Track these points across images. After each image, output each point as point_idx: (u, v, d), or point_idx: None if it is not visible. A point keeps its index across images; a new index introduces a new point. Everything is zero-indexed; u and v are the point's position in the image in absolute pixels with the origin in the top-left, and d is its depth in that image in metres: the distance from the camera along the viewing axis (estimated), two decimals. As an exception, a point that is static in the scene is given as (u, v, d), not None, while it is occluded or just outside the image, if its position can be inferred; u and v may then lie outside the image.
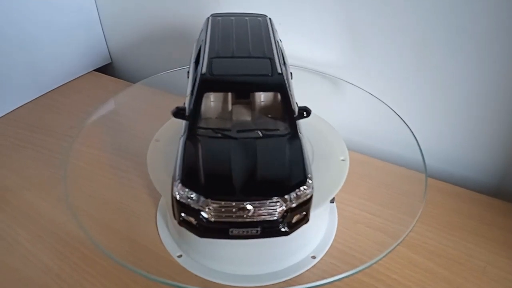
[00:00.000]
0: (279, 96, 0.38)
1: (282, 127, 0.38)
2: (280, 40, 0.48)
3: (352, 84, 0.61)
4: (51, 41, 0.75)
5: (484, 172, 0.58)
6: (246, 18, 0.47)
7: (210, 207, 0.32)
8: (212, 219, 0.33)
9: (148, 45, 0.82)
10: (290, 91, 0.39)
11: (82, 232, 0.42)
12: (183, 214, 0.34)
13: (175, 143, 0.38)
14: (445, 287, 0.43)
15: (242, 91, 0.39)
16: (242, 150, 0.35)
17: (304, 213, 0.34)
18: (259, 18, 0.47)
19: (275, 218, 0.33)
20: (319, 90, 0.64)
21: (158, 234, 0.47)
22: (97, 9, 0.83)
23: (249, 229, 0.33)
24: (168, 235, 0.47)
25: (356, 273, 0.38)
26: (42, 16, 0.73)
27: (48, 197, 0.54)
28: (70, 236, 0.48)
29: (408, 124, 0.51)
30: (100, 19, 0.84)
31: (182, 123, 0.39)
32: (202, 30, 0.46)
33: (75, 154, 0.56)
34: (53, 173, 0.58)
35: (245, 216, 0.32)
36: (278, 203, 0.33)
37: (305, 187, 0.33)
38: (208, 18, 0.47)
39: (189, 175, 0.34)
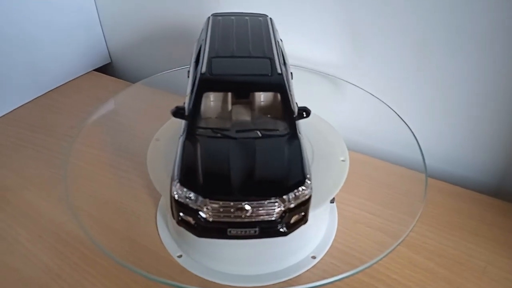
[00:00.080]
0: (278, 96, 0.38)
1: (281, 127, 0.38)
2: (281, 40, 0.47)
3: (352, 84, 0.61)
4: (51, 41, 0.75)
5: (484, 172, 0.58)
6: (247, 18, 0.47)
7: (208, 207, 0.32)
8: (210, 219, 0.33)
9: (147, 45, 0.82)
10: (290, 91, 0.39)
11: (83, 232, 0.42)
12: (181, 214, 0.34)
13: (175, 143, 0.38)
14: (446, 287, 0.43)
15: (242, 91, 0.39)
16: (241, 150, 0.35)
17: (303, 213, 0.34)
18: (260, 18, 0.47)
19: (273, 218, 0.33)
20: (319, 90, 0.64)
21: (158, 234, 0.47)
22: (97, 9, 0.83)
23: (247, 229, 0.33)
24: (168, 235, 0.47)
25: (356, 273, 0.38)
26: (42, 16, 0.73)
27: (49, 197, 0.54)
28: (71, 236, 0.48)
29: (408, 124, 0.51)
30: (99, 19, 0.84)
31: (182, 123, 0.39)
32: (202, 30, 0.46)
33: (75, 154, 0.56)
34: (53, 173, 0.58)
35: (243, 216, 0.32)
36: (276, 204, 0.33)
37: (303, 187, 0.33)
38: (209, 17, 0.47)
39: (187, 175, 0.34)
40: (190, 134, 0.37)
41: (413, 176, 0.52)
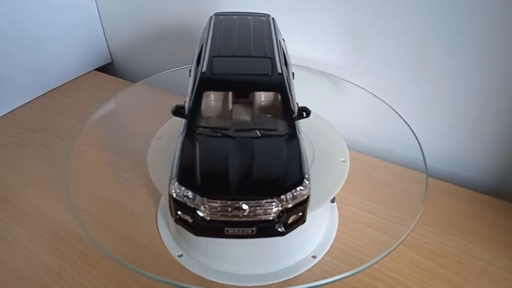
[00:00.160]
0: (279, 96, 0.38)
1: (281, 127, 0.38)
2: (283, 40, 0.47)
3: (353, 83, 0.61)
4: (52, 41, 0.75)
5: (484, 172, 0.58)
6: (249, 17, 0.47)
7: (206, 206, 0.33)
8: (208, 218, 0.33)
9: (148, 45, 0.82)
10: (291, 91, 0.38)
11: (83, 232, 0.42)
12: (179, 212, 0.34)
13: (176, 142, 0.38)
14: (446, 287, 0.43)
15: (242, 90, 0.39)
16: (239, 150, 0.35)
17: (301, 213, 0.34)
18: (262, 18, 0.47)
19: (270, 218, 0.33)
20: (320, 89, 0.64)
21: (159, 234, 0.47)
22: (98, 8, 0.83)
23: (245, 229, 0.33)
24: (169, 235, 0.47)
25: (356, 273, 0.38)
26: (42, 16, 0.73)
27: (49, 197, 0.54)
28: (71, 235, 0.48)
29: (408, 124, 0.51)
30: (100, 18, 0.84)
31: (182, 122, 0.39)
32: (204, 29, 0.46)
33: (76, 154, 0.56)
34: (54, 172, 0.58)
35: (240, 215, 0.32)
36: (274, 203, 0.33)
37: (301, 187, 0.33)
38: (211, 17, 0.47)
39: (185, 174, 0.34)
40: (190, 133, 0.37)
41: (414, 176, 0.52)
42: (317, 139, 0.48)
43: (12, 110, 0.71)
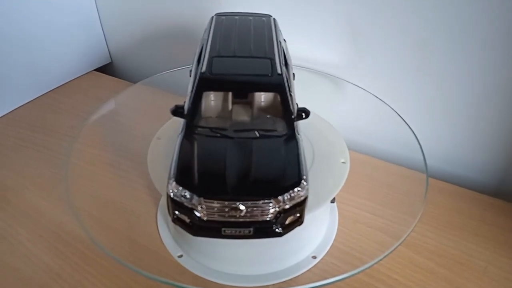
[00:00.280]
0: (278, 96, 0.38)
1: (280, 128, 0.38)
2: (285, 41, 0.47)
3: (353, 83, 0.61)
4: (52, 41, 0.75)
5: (484, 172, 0.58)
6: (250, 18, 0.47)
7: (203, 206, 0.33)
8: (205, 218, 0.33)
9: (148, 45, 0.82)
10: (290, 92, 0.38)
11: (83, 232, 0.42)
12: (177, 212, 0.34)
13: (175, 141, 0.38)
14: (446, 287, 0.43)
15: (241, 90, 0.39)
16: (237, 150, 0.35)
17: (298, 214, 0.34)
18: (263, 18, 0.47)
19: (268, 218, 0.33)
20: (320, 90, 0.64)
21: (159, 234, 0.47)
22: (97, 9, 0.83)
23: (242, 229, 0.33)
24: (169, 235, 0.47)
25: (357, 273, 0.38)
26: (42, 16, 0.73)
27: (49, 197, 0.54)
28: (71, 236, 0.48)
29: (408, 124, 0.51)
30: (100, 19, 0.84)
31: (182, 122, 0.39)
32: (206, 29, 0.46)
33: (76, 154, 0.56)
34: (54, 172, 0.58)
35: (237, 216, 0.32)
36: (271, 204, 0.33)
37: (299, 188, 0.33)
38: (212, 17, 0.47)
39: (183, 174, 0.34)
40: (188, 133, 0.37)
41: (414, 176, 0.52)
42: (317, 139, 0.48)
43: (12, 110, 0.71)
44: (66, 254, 0.46)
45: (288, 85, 0.38)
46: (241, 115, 0.40)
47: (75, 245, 0.47)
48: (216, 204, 0.32)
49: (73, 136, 0.64)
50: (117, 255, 0.39)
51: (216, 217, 0.33)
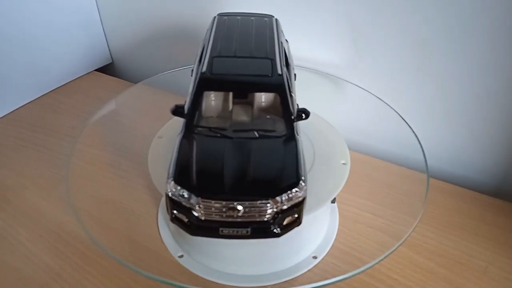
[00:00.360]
0: (278, 97, 0.38)
1: (279, 128, 0.38)
2: (287, 41, 0.47)
3: (353, 83, 0.61)
4: (52, 41, 0.76)
5: (484, 172, 0.58)
6: (252, 18, 0.47)
7: (201, 206, 0.33)
8: (203, 218, 0.33)
9: (149, 45, 0.82)
10: (290, 92, 0.38)
11: (83, 232, 0.42)
12: (175, 212, 0.34)
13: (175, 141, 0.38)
14: (446, 287, 0.43)
15: (241, 91, 0.39)
16: (236, 150, 0.35)
17: (296, 215, 0.34)
18: (265, 19, 0.47)
19: (265, 219, 0.33)
20: (320, 90, 0.64)
21: (159, 234, 0.47)
22: (98, 9, 0.83)
23: (239, 229, 0.33)
24: (169, 235, 0.47)
25: (357, 273, 0.38)
26: (42, 16, 0.73)
27: (49, 197, 0.54)
28: (71, 236, 0.48)
29: (409, 124, 0.51)
30: (101, 19, 0.84)
31: (182, 121, 0.39)
32: (208, 29, 0.46)
33: (77, 154, 0.56)
34: (54, 173, 0.58)
35: (235, 216, 0.32)
36: (268, 204, 0.33)
37: (297, 189, 0.33)
38: (215, 17, 0.47)
39: (181, 173, 0.34)
40: (188, 133, 0.37)
41: (414, 176, 0.53)
42: (317, 139, 0.48)
43: (12, 111, 0.71)
44: (66, 254, 0.46)
45: (288, 85, 0.38)
46: (242, 115, 0.40)
47: (75, 245, 0.47)
48: (213, 204, 0.32)
49: (74, 136, 0.64)
50: (118, 255, 0.39)
51: (214, 217, 0.33)
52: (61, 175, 0.57)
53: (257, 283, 0.42)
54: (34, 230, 0.49)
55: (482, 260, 0.46)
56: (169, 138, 0.48)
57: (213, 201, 0.32)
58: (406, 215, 0.46)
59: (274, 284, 0.42)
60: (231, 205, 0.32)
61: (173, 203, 0.34)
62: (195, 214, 0.33)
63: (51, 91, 0.77)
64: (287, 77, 0.39)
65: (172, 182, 0.33)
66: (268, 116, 0.40)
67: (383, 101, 0.56)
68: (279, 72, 0.38)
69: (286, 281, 0.42)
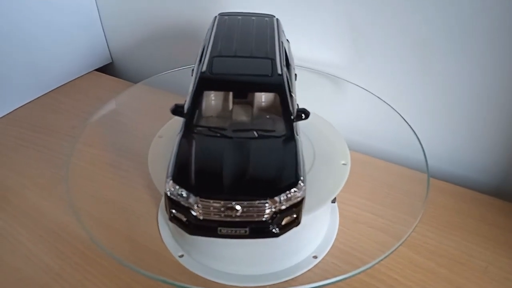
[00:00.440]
0: (278, 97, 0.38)
1: (279, 128, 0.38)
2: (288, 41, 0.47)
3: (354, 83, 0.61)
4: (52, 41, 0.76)
5: (485, 172, 0.58)
6: (253, 18, 0.47)
7: (199, 205, 0.33)
8: (201, 217, 0.33)
9: (149, 45, 0.82)
10: (291, 92, 0.38)
11: (84, 232, 0.42)
12: (173, 211, 0.34)
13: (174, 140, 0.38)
14: (446, 287, 0.43)
15: (240, 90, 0.39)
16: (235, 150, 0.35)
17: (295, 215, 0.34)
18: (266, 19, 0.47)
19: (264, 219, 0.33)
20: (320, 90, 0.64)
21: (160, 234, 0.47)
22: (98, 9, 0.83)
23: (238, 229, 0.33)
24: (170, 235, 0.47)
25: (358, 273, 0.38)
26: (42, 16, 0.73)
27: (50, 197, 0.54)
28: (72, 236, 0.48)
29: (409, 124, 0.51)
30: (100, 19, 0.84)
31: (181, 121, 0.39)
32: (208, 29, 0.46)
33: (77, 154, 0.56)
34: (54, 173, 0.58)
35: (233, 215, 0.32)
36: (267, 204, 0.33)
37: (295, 189, 0.33)
38: (216, 17, 0.47)
39: (180, 173, 0.34)
40: (187, 132, 0.37)
41: (414, 176, 0.53)
42: (318, 139, 0.48)
43: (12, 111, 0.71)
44: (67, 254, 0.46)
45: (288, 85, 0.38)
46: (242, 115, 0.40)
47: (75, 245, 0.47)
48: (212, 204, 0.32)
49: (74, 136, 0.64)
50: (118, 255, 0.39)
51: (212, 217, 0.33)
52: (61, 175, 0.57)
53: (257, 283, 0.42)
54: (35, 230, 0.49)
55: (482, 260, 0.46)
56: (170, 137, 0.48)
57: (211, 201, 0.32)
58: (407, 215, 0.46)
59: (274, 284, 0.42)
60: (229, 205, 0.32)
61: (171, 202, 0.34)
62: (194, 213, 0.33)
63: (51, 91, 0.77)
64: (287, 77, 0.39)
65: (171, 182, 0.33)
66: (268, 116, 0.40)
67: (383, 101, 0.56)
68: (279, 72, 0.38)
69: (286, 281, 0.42)
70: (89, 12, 0.82)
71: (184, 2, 0.71)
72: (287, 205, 0.33)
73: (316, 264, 0.44)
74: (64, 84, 0.79)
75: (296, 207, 0.34)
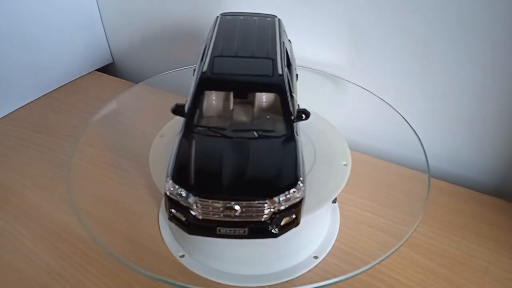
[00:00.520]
0: (278, 97, 0.38)
1: (279, 129, 0.38)
2: (290, 41, 0.47)
3: (354, 83, 0.61)
4: (53, 41, 0.76)
5: (485, 172, 0.58)
6: (255, 18, 0.47)
7: (198, 205, 0.33)
8: (200, 217, 0.33)
9: (149, 45, 0.82)
10: (291, 92, 0.38)
11: (85, 232, 0.42)
12: (173, 210, 0.34)
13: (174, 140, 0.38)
14: (447, 287, 0.43)
15: (241, 90, 0.39)
16: (235, 150, 0.36)
17: (294, 216, 0.34)
18: (268, 19, 0.47)
19: (262, 219, 0.33)
20: (321, 90, 0.64)
21: (161, 234, 0.47)
22: (99, 9, 0.83)
23: (237, 229, 0.33)
24: (170, 235, 0.47)
25: (358, 274, 0.38)
26: (43, 16, 0.73)
27: (51, 197, 0.54)
28: (73, 236, 0.48)
29: (410, 124, 0.51)
30: (101, 19, 0.84)
31: (182, 120, 0.39)
32: (210, 29, 0.46)
33: (78, 154, 0.57)
34: (55, 173, 0.58)
35: (232, 215, 0.33)
36: (266, 205, 0.33)
37: (294, 189, 0.33)
38: (218, 17, 0.47)
39: (180, 172, 0.34)
40: (187, 132, 0.37)
41: (415, 176, 0.53)
42: (318, 139, 0.48)
43: (13, 111, 0.71)
44: (68, 254, 0.46)
45: (289, 86, 0.38)
46: (242, 115, 0.40)
47: (76, 245, 0.47)
48: (211, 204, 0.33)
49: (75, 136, 0.64)
50: (119, 255, 0.40)
51: (211, 216, 0.33)
52: (62, 175, 0.57)
53: (258, 283, 0.42)
54: (35, 230, 0.49)
55: (483, 260, 0.46)
56: (171, 137, 0.48)
57: (210, 201, 0.32)
58: (407, 215, 0.46)
59: (275, 284, 0.42)
60: (228, 205, 0.32)
61: (171, 202, 0.34)
62: (193, 213, 0.33)
63: (52, 91, 0.77)
64: (287, 77, 0.39)
65: (171, 181, 0.33)
66: (268, 116, 0.40)
67: (384, 101, 0.56)
68: (280, 72, 0.38)
69: (287, 281, 0.42)
70: (90, 12, 0.82)
71: (185, 2, 0.71)
72: (286, 206, 0.33)
73: (317, 264, 0.44)
74: (65, 84, 0.79)
75: (295, 208, 0.34)
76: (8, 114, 0.71)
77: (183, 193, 0.33)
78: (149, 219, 0.49)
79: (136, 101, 0.67)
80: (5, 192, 0.55)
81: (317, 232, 0.46)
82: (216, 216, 0.33)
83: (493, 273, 0.44)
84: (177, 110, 0.38)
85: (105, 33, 0.86)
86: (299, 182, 0.33)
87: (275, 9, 0.59)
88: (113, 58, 0.90)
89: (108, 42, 0.87)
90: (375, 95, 0.57)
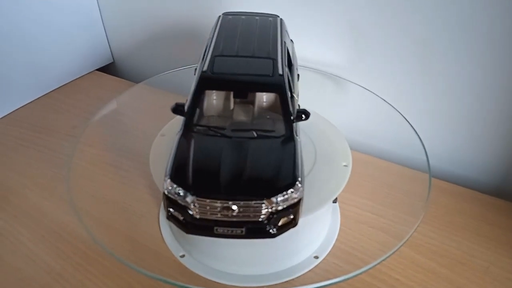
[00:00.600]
0: (278, 97, 0.38)
1: (278, 129, 0.38)
2: (292, 41, 0.47)
3: (355, 83, 0.61)
4: (53, 41, 0.76)
5: (486, 172, 0.58)
6: (257, 18, 0.47)
7: (196, 204, 0.33)
8: (198, 216, 0.33)
9: (150, 45, 0.82)
10: (292, 92, 0.38)
11: (85, 232, 0.42)
12: (171, 209, 0.34)
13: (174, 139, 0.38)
14: (448, 287, 0.43)
15: (241, 90, 0.39)
16: (233, 150, 0.35)
17: (292, 216, 0.34)
18: (270, 19, 0.47)
19: (260, 219, 0.33)
20: (322, 90, 0.64)
21: (161, 234, 0.47)
22: (99, 9, 0.83)
23: (234, 229, 0.33)
24: (171, 235, 0.47)
25: (359, 274, 0.38)
26: (44, 16, 0.73)
27: (51, 197, 0.54)
28: (73, 236, 0.48)
29: (411, 124, 0.51)
30: (102, 19, 0.84)
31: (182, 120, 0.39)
32: (212, 28, 0.46)
33: (78, 154, 0.57)
34: (55, 173, 0.58)
35: (229, 215, 0.33)
36: (263, 205, 0.33)
37: (292, 190, 0.33)
38: (219, 16, 0.47)
39: (178, 172, 0.34)
40: (187, 131, 0.37)
41: (416, 176, 0.52)
42: (319, 139, 0.48)
43: (13, 111, 0.71)
44: (68, 254, 0.46)
45: (289, 86, 0.38)
46: (242, 115, 0.40)
47: (76, 245, 0.47)
48: (208, 203, 0.33)
49: (75, 136, 0.64)
50: (119, 255, 0.39)
51: (208, 216, 0.33)
52: (62, 175, 0.57)
53: (258, 283, 0.42)
54: (36, 230, 0.49)
55: (484, 260, 0.46)
56: (172, 136, 0.48)
57: (208, 200, 0.33)
58: (408, 215, 0.46)
59: (275, 284, 0.42)
60: (225, 205, 0.32)
61: (169, 201, 0.34)
62: (190, 212, 0.33)
63: (52, 91, 0.77)
64: (288, 77, 0.39)
65: (169, 180, 0.34)
66: (268, 116, 0.40)
67: (385, 100, 0.56)
68: (280, 72, 0.38)
69: (287, 281, 0.42)
70: (90, 12, 0.82)
71: (185, 2, 0.71)
72: (284, 206, 0.33)
73: (317, 264, 0.44)
74: (65, 84, 0.79)
75: (293, 208, 0.34)
76: (8, 114, 0.71)
77: (181, 192, 0.33)
78: (149, 219, 0.49)
79: (136, 101, 0.67)
80: (5, 192, 0.55)
81: (318, 232, 0.46)
82: (214, 215, 0.33)
83: (493, 273, 0.44)
84: (177, 109, 0.38)
85: (105, 32, 0.86)
86: (297, 183, 0.33)
87: (276, 9, 0.59)
88: (113, 58, 0.90)
89: (108, 42, 0.87)
90: (376, 95, 0.57)
